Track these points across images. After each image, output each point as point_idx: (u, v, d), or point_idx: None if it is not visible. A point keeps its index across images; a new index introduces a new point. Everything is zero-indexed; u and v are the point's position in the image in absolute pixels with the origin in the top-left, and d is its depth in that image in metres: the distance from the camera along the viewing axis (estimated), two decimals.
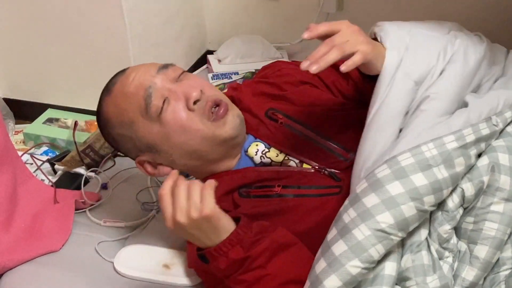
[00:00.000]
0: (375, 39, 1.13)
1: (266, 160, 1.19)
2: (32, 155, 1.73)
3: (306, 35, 1.01)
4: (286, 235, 1.06)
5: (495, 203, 1.01)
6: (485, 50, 1.14)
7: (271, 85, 1.27)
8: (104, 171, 1.65)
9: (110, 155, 1.69)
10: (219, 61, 2.12)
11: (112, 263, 1.32)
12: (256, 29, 2.19)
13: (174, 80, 1.15)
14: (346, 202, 0.99)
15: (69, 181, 1.65)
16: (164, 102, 1.11)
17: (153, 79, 1.13)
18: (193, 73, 2.16)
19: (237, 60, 2.09)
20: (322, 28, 1.03)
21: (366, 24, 2.07)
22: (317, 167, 1.17)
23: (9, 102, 2.02)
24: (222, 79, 1.99)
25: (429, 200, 0.96)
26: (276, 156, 1.18)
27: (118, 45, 1.82)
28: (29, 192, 1.53)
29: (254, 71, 2.01)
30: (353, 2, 2.04)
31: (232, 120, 1.15)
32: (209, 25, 2.28)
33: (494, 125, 1.02)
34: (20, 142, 1.91)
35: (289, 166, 1.18)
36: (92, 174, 1.65)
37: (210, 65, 2.12)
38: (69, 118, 1.96)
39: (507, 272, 1.03)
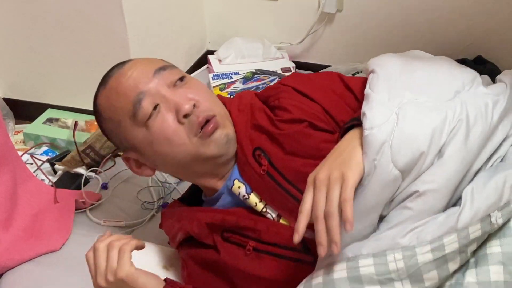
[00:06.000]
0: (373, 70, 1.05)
1: (246, 205, 1.13)
2: (32, 155, 1.73)
3: (296, 239, 0.89)
4: None
5: None
6: (503, 109, 0.97)
7: (268, 118, 1.12)
8: (104, 171, 1.65)
9: (110, 155, 1.69)
10: (220, 61, 2.11)
11: None
12: (256, 29, 2.19)
13: (171, 84, 1.08)
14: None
15: (69, 181, 1.65)
16: (154, 108, 1.06)
17: (147, 83, 1.07)
18: (193, 73, 2.17)
19: (238, 60, 2.09)
20: (302, 220, 0.90)
21: (366, 25, 2.10)
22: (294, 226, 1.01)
23: (9, 102, 2.02)
24: (223, 79, 1.99)
25: None
26: (255, 205, 1.10)
27: (118, 45, 1.82)
28: (29, 192, 1.54)
29: (254, 71, 2.01)
30: (353, 2, 2.04)
31: (219, 139, 1.08)
32: (209, 25, 2.28)
33: (492, 223, 0.87)
34: (20, 142, 1.91)
35: (267, 218, 1.10)
36: (92, 174, 1.65)
37: (210, 65, 2.12)
38: (69, 118, 1.95)
39: None
